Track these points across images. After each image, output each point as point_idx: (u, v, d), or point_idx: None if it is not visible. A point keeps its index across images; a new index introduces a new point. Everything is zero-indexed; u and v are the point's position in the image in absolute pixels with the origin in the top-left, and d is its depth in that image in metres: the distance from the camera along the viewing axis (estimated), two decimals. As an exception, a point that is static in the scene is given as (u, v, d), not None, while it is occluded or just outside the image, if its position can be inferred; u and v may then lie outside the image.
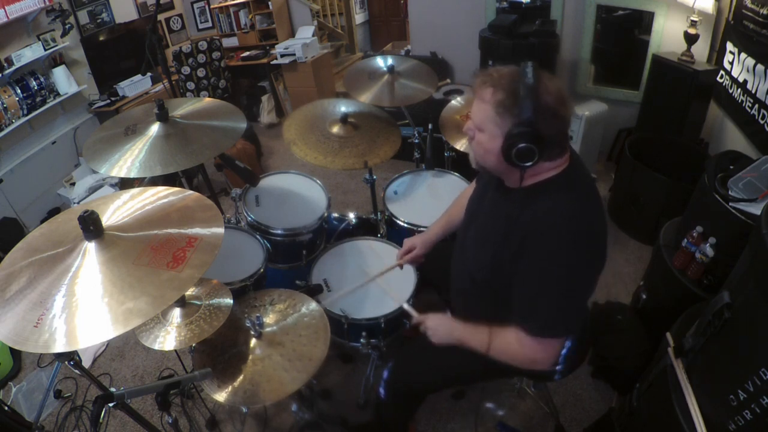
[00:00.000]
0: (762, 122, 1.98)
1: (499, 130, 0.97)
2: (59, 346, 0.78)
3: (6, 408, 1.78)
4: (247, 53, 4.52)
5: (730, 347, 1.07)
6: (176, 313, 1.32)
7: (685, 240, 1.63)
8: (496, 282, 1.12)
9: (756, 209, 1.42)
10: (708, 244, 1.53)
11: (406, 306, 1.44)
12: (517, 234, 1.02)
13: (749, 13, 2.10)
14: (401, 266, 1.59)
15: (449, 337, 1.20)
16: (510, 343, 1.06)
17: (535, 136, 0.93)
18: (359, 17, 6.22)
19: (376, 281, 1.58)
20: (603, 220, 1.04)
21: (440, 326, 1.22)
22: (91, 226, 0.89)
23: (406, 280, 1.65)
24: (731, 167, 1.59)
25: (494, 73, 0.99)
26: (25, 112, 3.07)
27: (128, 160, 1.41)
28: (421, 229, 1.79)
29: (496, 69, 1.01)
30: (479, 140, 1.03)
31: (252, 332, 1.31)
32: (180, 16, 4.47)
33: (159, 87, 3.82)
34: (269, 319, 1.39)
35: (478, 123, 1.02)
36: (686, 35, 2.52)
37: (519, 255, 1.02)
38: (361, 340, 1.58)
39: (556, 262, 0.97)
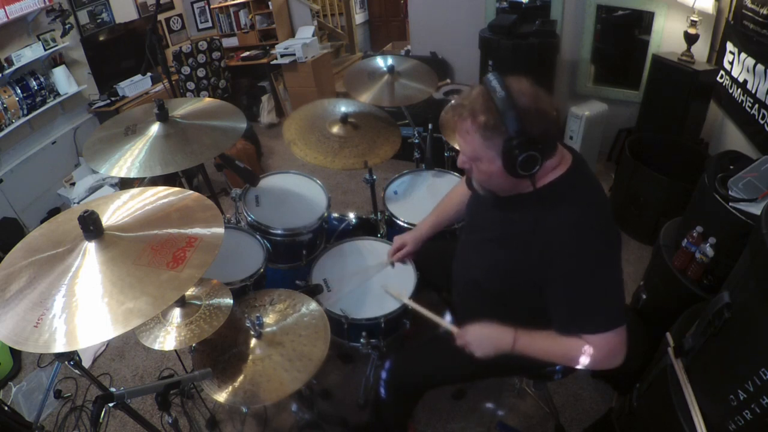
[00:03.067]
0: (762, 122, 1.98)
1: (494, 151, 0.97)
2: (59, 346, 0.78)
3: (6, 408, 1.77)
4: (247, 53, 4.52)
5: (730, 347, 1.07)
6: (176, 313, 1.32)
7: (685, 240, 1.63)
8: (503, 286, 1.13)
9: (756, 209, 1.42)
10: (708, 244, 1.53)
11: (442, 321, 1.32)
12: (534, 241, 1.02)
13: (749, 13, 2.10)
14: (392, 264, 1.60)
15: (495, 348, 1.10)
16: (581, 349, 1.02)
17: (529, 141, 0.94)
18: (359, 17, 6.21)
19: (378, 283, 1.58)
20: (611, 209, 1.08)
21: (482, 338, 1.12)
22: (91, 226, 0.89)
23: (407, 279, 1.64)
24: (731, 167, 1.59)
25: (464, 101, 1.00)
26: (25, 112, 3.07)
27: (128, 160, 1.41)
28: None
29: (464, 96, 1.01)
30: (479, 169, 1.03)
31: (252, 332, 1.31)
32: (180, 16, 4.47)
33: (159, 87, 3.82)
34: (269, 319, 1.39)
35: (471, 155, 1.03)
36: (686, 35, 2.52)
37: (547, 262, 1.01)
38: (361, 340, 1.57)
39: (592, 258, 0.98)
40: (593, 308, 1.01)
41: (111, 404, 1.00)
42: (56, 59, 3.34)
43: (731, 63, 2.31)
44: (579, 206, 1.00)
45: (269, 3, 4.33)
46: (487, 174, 1.03)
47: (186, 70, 4.07)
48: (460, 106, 1.00)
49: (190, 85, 4.14)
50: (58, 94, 3.31)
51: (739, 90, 2.21)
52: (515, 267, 1.07)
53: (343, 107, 2.00)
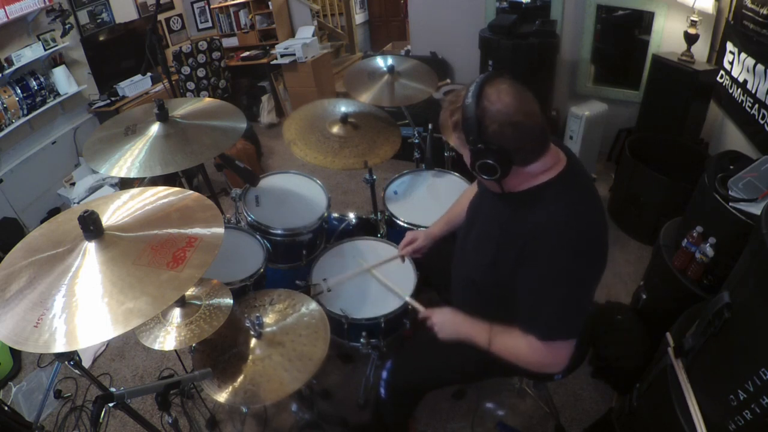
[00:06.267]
0: (762, 122, 1.98)
1: (467, 150, 1.01)
2: (59, 346, 0.78)
3: (6, 408, 1.77)
4: (247, 53, 4.53)
5: (730, 347, 1.07)
6: (176, 313, 1.32)
7: (685, 240, 1.63)
8: (496, 284, 1.13)
9: (756, 209, 1.42)
10: (708, 244, 1.53)
11: (410, 299, 1.44)
12: (514, 241, 1.03)
13: (749, 13, 2.10)
14: (402, 258, 1.61)
15: (456, 333, 1.20)
16: (521, 348, 1.07)
17: (492, 150, 0.95)
18: (359, 17, 6.21)
19: (377, 279, 1.58)
20: (602, 222, 1.05)
21: (447, 322, 1.23)
22: (91, 226, 0.89)
23: (407, 277, 1.65)
24: (731, 167, 1.59)
25: (451, 97, 1.04)
26: (25, 112, 3.07)
27: (128, 160, 1.41)
28: (422, 228, 1.79)
29: (454, 93, 1.04)
30: (465, 159, 1.08)
31: (252, 332, 1.31)
32: (180, 16, 4.47)
33: (159, 87, 3.82)
34: (269, 319, 1.39)
35: (455, 146, 1.08)
36: (686, 35, 2.52)
37: (519, 262, 1.03)
38: (361, 340, 1.58)
39: (556, 268, 0.98)
40: (549, 314, 1.02)
41: (111, 404, 0.99)
42: (56, 59, 3.34)
43: (731, 63, 2.31)
44: (563, 212, 0.99)
45: (269, 3, 4.33)
46: (469, 165, 1.06)
47: (186, 70, 4.06)
48: (448, 101, 1.04)
49: (190, 85, 4.14)
50: (58, 94, 3.31)
51: (739, 90, 2.21)
52: (500, 263, 1.08)
53: (343, 107, 2.00)
